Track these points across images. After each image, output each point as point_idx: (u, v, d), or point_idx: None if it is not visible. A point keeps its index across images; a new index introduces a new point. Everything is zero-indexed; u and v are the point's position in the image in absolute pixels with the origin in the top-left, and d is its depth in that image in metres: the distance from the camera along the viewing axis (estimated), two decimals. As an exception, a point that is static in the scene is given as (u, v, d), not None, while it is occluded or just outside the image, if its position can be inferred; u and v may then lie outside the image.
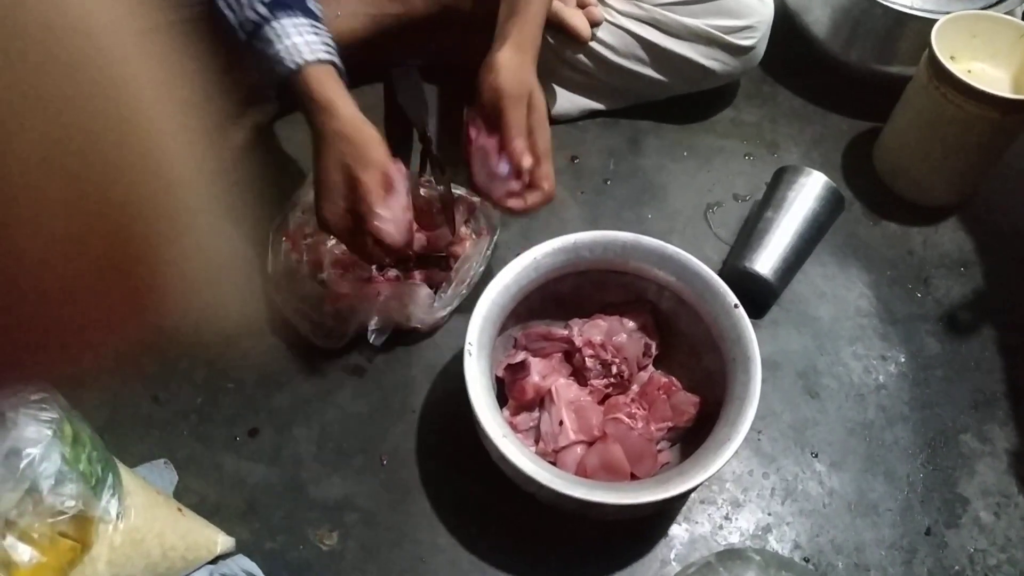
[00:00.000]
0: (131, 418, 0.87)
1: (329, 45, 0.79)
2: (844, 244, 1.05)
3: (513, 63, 0.80)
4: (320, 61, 0.77)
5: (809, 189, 0.99)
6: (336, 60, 0.79)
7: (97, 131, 0.22)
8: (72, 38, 0.21)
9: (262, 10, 0.77)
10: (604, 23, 1.05)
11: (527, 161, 0.79)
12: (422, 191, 0.96)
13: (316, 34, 0.78)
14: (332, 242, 0.95)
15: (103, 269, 0.23)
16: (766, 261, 0.95)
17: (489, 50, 0.82)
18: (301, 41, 0.76)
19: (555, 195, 0.83)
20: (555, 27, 1.01)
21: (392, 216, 0.76)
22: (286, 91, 0.78)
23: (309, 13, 0.79)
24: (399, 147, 1.07)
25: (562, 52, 1.08)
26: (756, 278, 0.95)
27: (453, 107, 1.14)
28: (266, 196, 1.00)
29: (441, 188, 0.93)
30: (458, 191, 0.96)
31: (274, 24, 0.77)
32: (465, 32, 1.05)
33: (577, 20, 1.00)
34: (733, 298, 0.80)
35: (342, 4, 1.03)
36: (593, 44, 1.05)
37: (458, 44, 1.08)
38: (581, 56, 1.07)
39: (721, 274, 0.83)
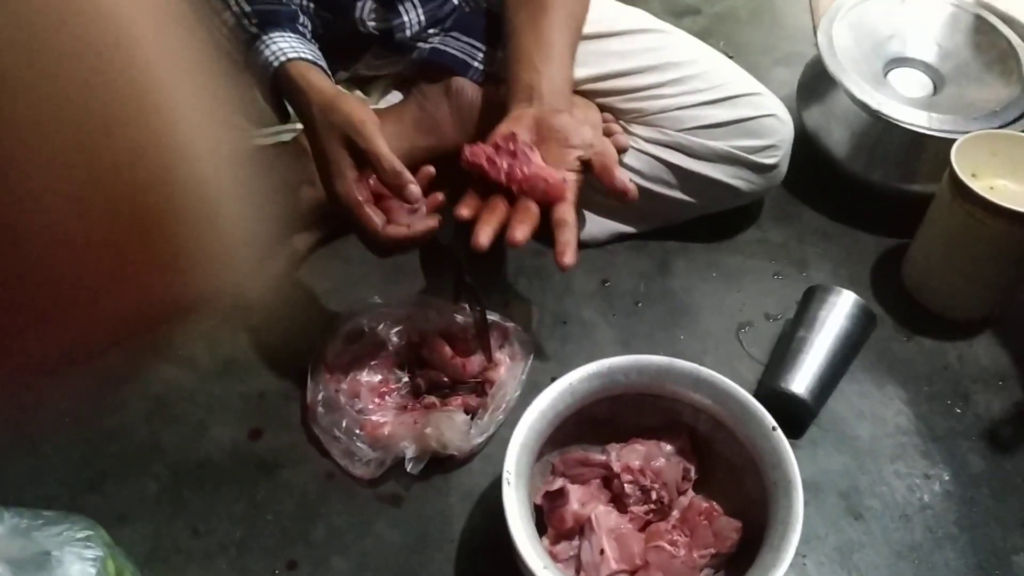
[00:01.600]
0: (172, 552, 0.87)
1: (315, 52, 0.91)
2: (878, 361, 1.05)
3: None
4: (302, 58, 0.88)
5: (840, 307, 1.00)
6: (321, 63, 0.90)
7: (120, 114, 0.22)
8: (99, 22, 0.22)
9: (253, 29, 0.90)
10: (631, 150, 1.08)
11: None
12: (458, 318, 0.98)
13: (301, 43, 0.90)
14: (367, 373, 0.96)
15: (120, 243, 0.24)
16: (802, 381, 0.95)
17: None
18: (286, 45, 0.89)
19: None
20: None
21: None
22: (277, 96, 0.90)
23: (297, 31, 0.92)
24: (433, 273, 1.11)
25: (590, 179, 1.11)
26: (793, 399, 0.95)
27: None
28: (306, 325, 1.03)
29: (476, 314, 0.95)
30: (492, 316, 0.98)
31: (264, 38, 0.90)
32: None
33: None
34: (771, 420, 0.80)
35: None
36: (620, 171, 1.09)
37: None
38: (609, 182, 1.10)
39: (757, 395, 0.83)
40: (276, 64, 0.88)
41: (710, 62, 1.09)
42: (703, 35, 1.49)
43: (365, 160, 0.82)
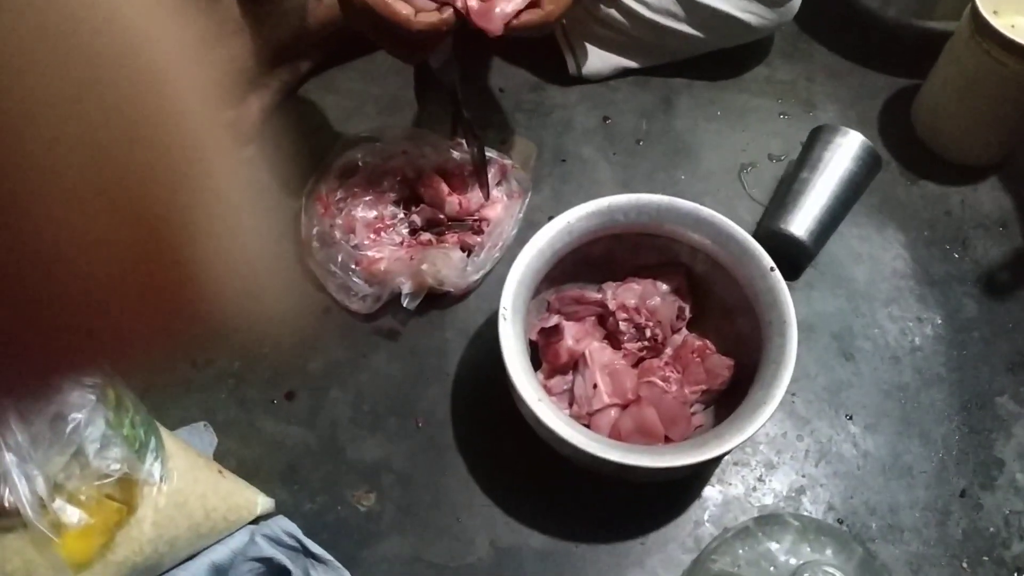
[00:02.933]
0: (170, 382, 0.88)
1: None
2: (881, 204, 1.04)
3: None
4: None
5: (846, 149, 0.98)
6: None
7: (131, 117, 0.22)
8: (107, 31, 0.21)
9: None
10: (636, -20, 1.03)
11: None
12: (455, 154, 0.95)
13: None
14: (362, 208, 0.95)
15: (138, 257, 0.24)
16: (801, 223, 0.94)
17: None
18: None
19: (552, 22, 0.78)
20: None
21: None
22: None
23: None
24: (431, 110, 1.07)
25: (595, 9, 1.06)
26: (791, 240, 0.94)
27: (482, 69, 1.13)
28: (298, 159, 1.00)
29: (474, 150, 0.93)
30: (490, 153, 0.96)
31: None
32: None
33: (609, -24, 0.99)
34: (769, 261, 0.79)
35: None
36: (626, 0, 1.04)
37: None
38: (614, 12, 1.06)
39: (756, 236, 0.82)
40: None
41: None
42: None
43: None
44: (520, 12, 0.76)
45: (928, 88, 1.08)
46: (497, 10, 0.75)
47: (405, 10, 0.74)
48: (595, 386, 0.81)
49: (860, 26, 1.17)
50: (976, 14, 0.95)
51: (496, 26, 0.76)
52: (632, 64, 1.12)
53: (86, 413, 0.65)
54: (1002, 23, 0.96)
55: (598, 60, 1.11)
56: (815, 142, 0.99)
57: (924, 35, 1.11)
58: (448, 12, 0.76)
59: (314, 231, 0.92)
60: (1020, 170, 1.08)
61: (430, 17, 0.75)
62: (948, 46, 1.03)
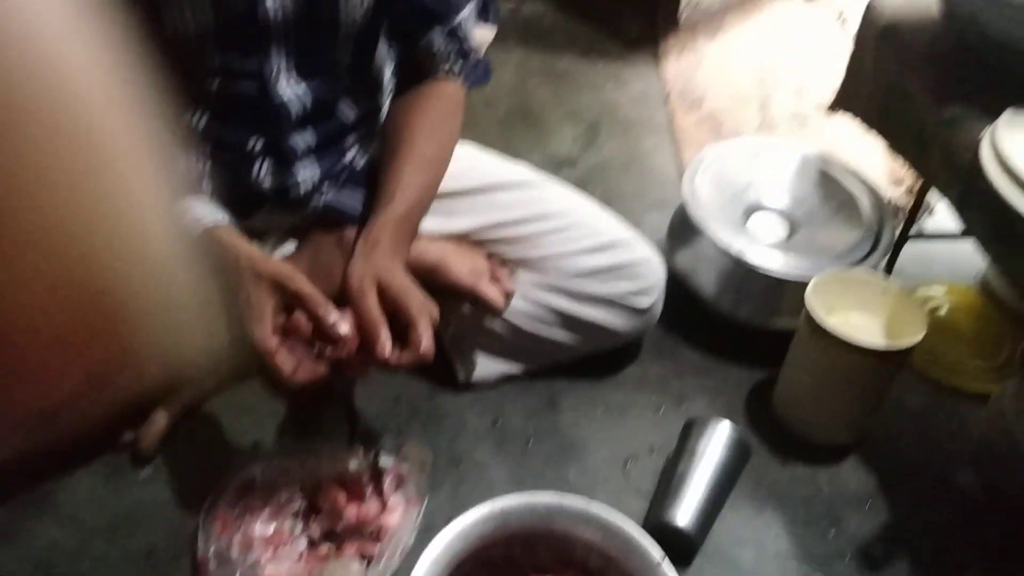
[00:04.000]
0: None
1: (225, 216, 0.95)
2: (756, 488, 1.11)
3: (361, 251, 0.94)
4: (217, 224, 0.93)
5: (717, 438, 1.06)
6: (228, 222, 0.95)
7: (82, 201, 0.23)
8: (68, 118, 0.23)
9: None
10: (517, 293, 1.14)
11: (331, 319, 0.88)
12: (352, 464, 0.99)
13: (209, 208, 0.95)
14: (260, 524, 0.96)
15: (66, 320, 0.24)
16: (685, 513, 1.00)
17: None
18: (200, 213, 0.93)
19: (430, 359, 0.90)
20: (472, 300, 1.10)
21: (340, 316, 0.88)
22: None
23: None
24: (328, 420, 1.12)
25: (479, 321, 1.16)
26: (678, 532, 0.99)
27: (378, 380, 1.20)
28: (198, 476, 1.02)
29: (370, 458, 0.97)
30: (386, 460, 1.00)
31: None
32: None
33: (492, 293, 1.09)
34: (658, 553, 0.83)
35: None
36: (508, 313, 1.14)
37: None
38: (497, 325, 1.16)
39: (645, 527, 0.87)
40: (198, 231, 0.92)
41: (588, 212, 1.18)
42: (580, 184, 1.59)
43: (297, 302, 0.89)
44: (401, 352, 0.88)
45: (783, 379, 1.20)
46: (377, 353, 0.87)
47: (287, 366, 0.87)
48: None
49: (717, 326, 1.30)
50: (810, 317, 1.08)
51: (369, 372, 0.86)
52: (517, 369, 1.21)
53: None
54: (836, 320, 1.10)
55: (486, 367, 1.19)
56: (689, 433, 1.08)
57: (773, 332, 1.25)
58: (322, 368, 0.89)
59: (211, 550, 0.92)
60: (875, 448, 1.18)
61: (307, 373, 0.88)
62: (794, 342, 1.17)
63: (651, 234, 1.46)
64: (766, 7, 2.13)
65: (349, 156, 1.10)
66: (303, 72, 1.00)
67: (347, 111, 1.08)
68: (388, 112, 1.10)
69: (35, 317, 0.23)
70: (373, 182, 1.14)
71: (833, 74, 1.90)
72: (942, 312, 1.40)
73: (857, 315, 1.16)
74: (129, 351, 0.27)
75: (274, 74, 0.99)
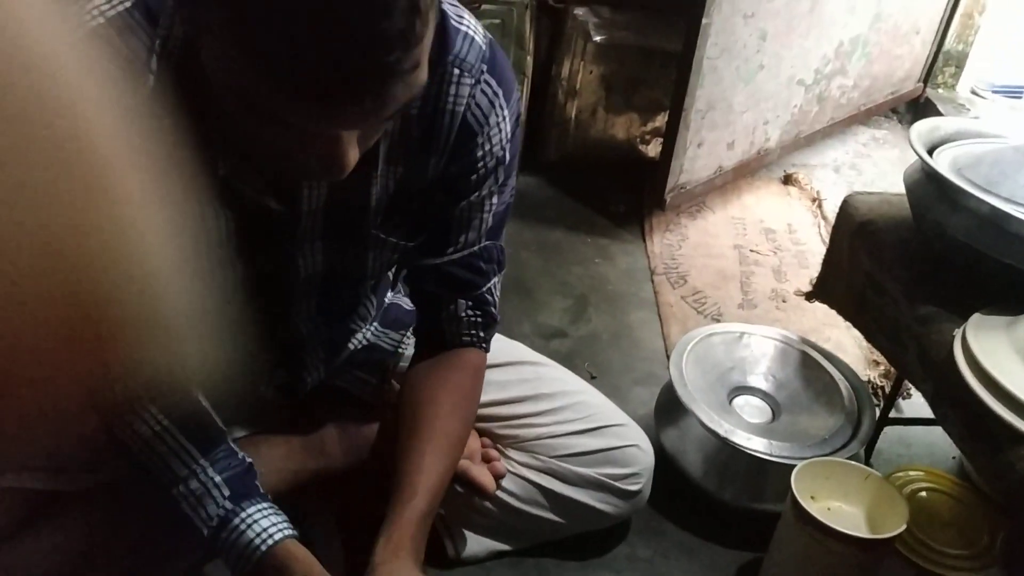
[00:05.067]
0: None
1: (285, 517, 0.90)
2: None
3: (385, 569, 0.88)
4: (285, 537, 0.87)
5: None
6: (295, 531, 0.90)
7: (79, 224, 0.23)
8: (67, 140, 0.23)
9: (227, 504, 0.87)
10: (507, 474, 1.16)
11: None
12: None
13: (276, 513, 0.90)
14: None
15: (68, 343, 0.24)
16: None
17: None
18: (269, 524, 0.87)
19: None
20: (463, 482, 1.12)
21: None
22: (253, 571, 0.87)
23: (263, 495, 0.91)
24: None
25: (470, 501, 1.18)
26: None
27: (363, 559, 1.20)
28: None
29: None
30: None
31: (242, 515, 0.87)
32: (378, 483, 1.15)
33: (483, 476, 1.11)
34: None
35: (263, 461, 1.12)
36: (498, 493, 1.16)
37: (370, 494, 1.16)
38: (488, 504, 1.17)
39: None
40: (264, 548, 0.87)
41: (580, 394, 1.22)
42: (570, 356, 1.66)
43: None
44: None
45: (768, 564, 1.21)
46: None
47: None
48: None
49: (703, 506, 1.32)
50: (795, 503, 1.11)
51: None
52: (506, 547, 1.22)
53: None
54: (819, 507, 1.12)
55: (475, 544, 1.20)
56: (677, 621, 1.08)
57: (758, 514, 1.27)
58: None
59: None
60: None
61: None
62: (779, 527, 1.18)
63: (637, 408, 1.51)
64: (745, 190, 2.26)
65: (353, 346, 1.15)
66: (324, 311, 1.02)
67: (360, 322, 1.12)
68: (407, 379, 1.04)
69: (28, 330, 0.23)
70: (372, 365, 1.17)
71: (809, 254, 2.01)
72: (923, 496, 1.43)
73: (840, 503, 1.18)
74: (121, 364, 0.27)
75: (297, 315, 1.00)
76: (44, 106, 0.23)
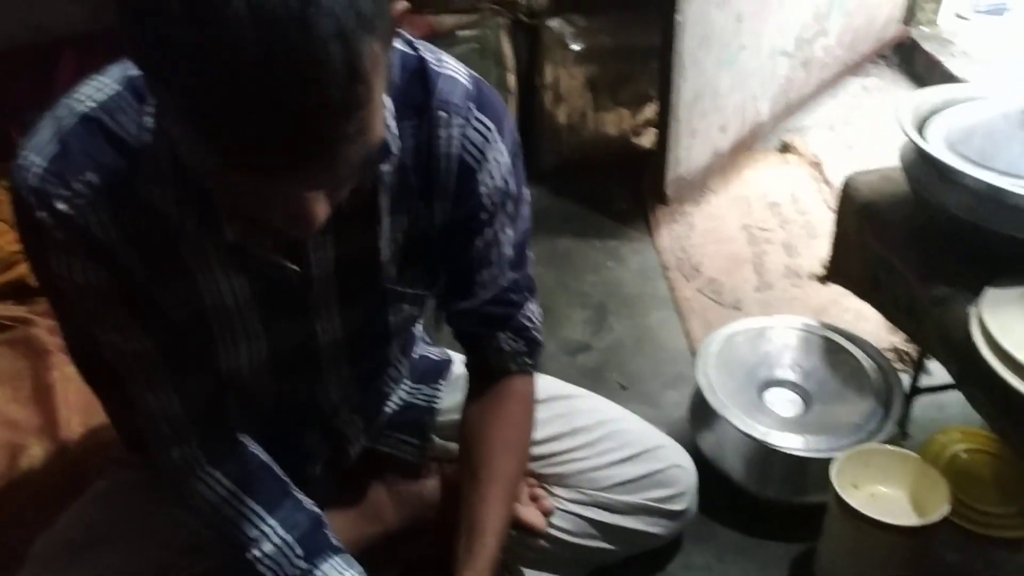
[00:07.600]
0: None
1: (361, 569, 0.95)
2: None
3: None
4: None
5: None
6: None
7: None
8: None
9: (303, 564, 0.91)
10: (556, 510, 1.19)
11: None
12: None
13: (351, 565, 0.94)
14: None
15: None
16: None
17: None
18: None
19: None
20: (514, 524, 1.15)
21: None
22: None
23: (336, 548, 0.95)
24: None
25: (523, 540, 1.21)
26: None
27: None
28: None
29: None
30: None
31: (317, 573, 0.92)
32: (437, 537, 1.18)
33: (532, 516, 1.14)
34: None
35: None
36: (549, 529, 1.19)
37: (431, 549, 1.20)
38: (541, 540, 1.20)
39: None
40: None
41: (616, 421, 1.24)
42: (598, 369, 1.68)
43: None
44: None
45: (820, 554, 1.24)
46: None
47: None
48: None
49: (748, 506, 1.35)
50: (837, 496, 1.13)
51: None
52: (565, 576, 1.25)
53: None
54: (862, 494, 1.15)
55: (533, 579, 1.23)
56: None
57: (804, 508, 1.29)
58: None
59: None
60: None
61: None
62: (826, 520, 1.21)
63: (671, 412, 1.54)
64: (744, 166, 2.27)
65: (389, 408, 1.17)
66: (355, 378, 1.04)
67: (391, 384, 1.15)
68: (464, 415, 1.06)
69: None
70: (417, 425, 1.20)
71: (817, 223, 2.02)
72: (964, 457, 1.44)
73: (883, 489, 1.21)
74: None
75: (329, 386, 1.02)
76: None
